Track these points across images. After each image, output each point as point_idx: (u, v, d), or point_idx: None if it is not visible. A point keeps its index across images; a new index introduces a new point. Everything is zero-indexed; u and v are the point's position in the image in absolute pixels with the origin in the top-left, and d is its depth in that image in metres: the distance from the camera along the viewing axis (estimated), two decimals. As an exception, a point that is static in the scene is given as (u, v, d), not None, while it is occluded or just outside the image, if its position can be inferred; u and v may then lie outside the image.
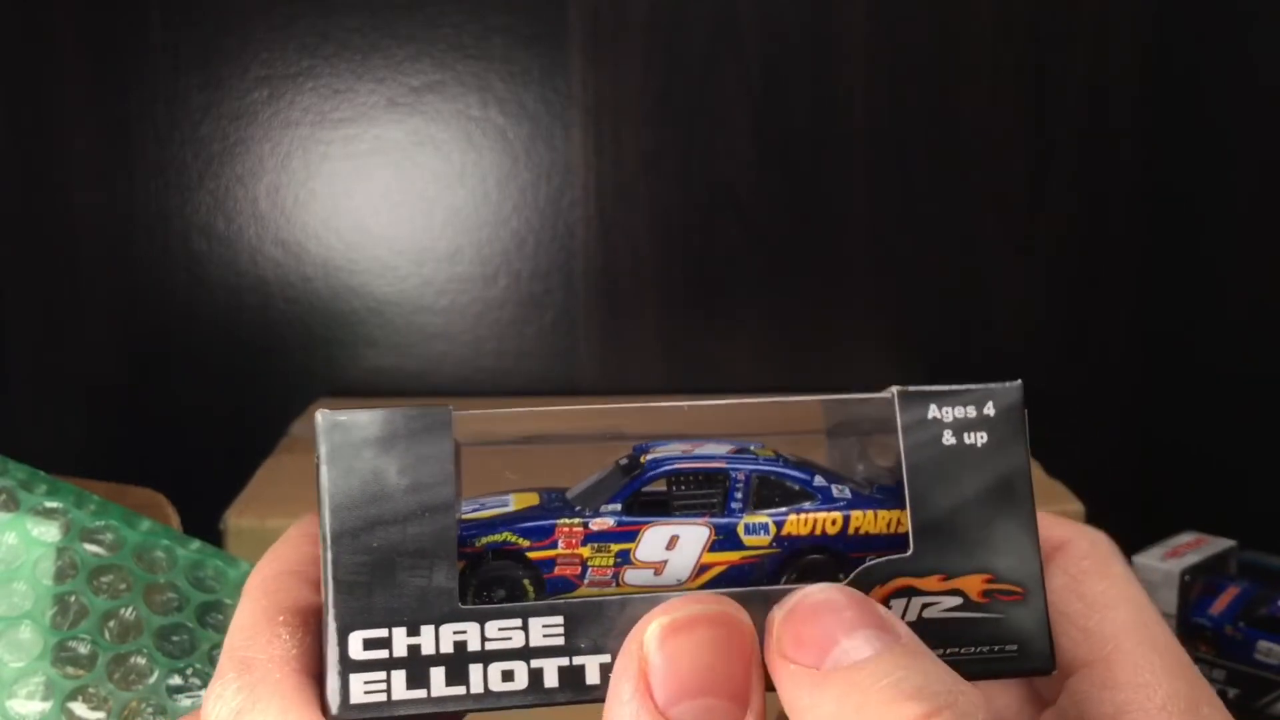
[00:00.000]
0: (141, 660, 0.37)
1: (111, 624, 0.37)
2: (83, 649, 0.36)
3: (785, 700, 0.22)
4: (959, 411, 0.25)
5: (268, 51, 0.81)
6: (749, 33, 0.84)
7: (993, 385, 0.25)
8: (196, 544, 0.40)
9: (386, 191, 0.83)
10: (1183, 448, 0.92)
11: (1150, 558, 0.75)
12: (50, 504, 0.38)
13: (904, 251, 0.88)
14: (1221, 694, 0.71)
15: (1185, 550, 0.76)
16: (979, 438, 0.25)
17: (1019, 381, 0.25)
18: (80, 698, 0.36)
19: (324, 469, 0.23)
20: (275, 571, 0.25)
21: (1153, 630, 0.25)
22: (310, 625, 0.24)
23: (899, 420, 0.25)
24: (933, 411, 0.25)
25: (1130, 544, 0.76)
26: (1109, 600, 0.26)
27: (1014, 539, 0.25)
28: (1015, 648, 0.24)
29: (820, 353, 0.89)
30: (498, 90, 0.83)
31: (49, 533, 0.37)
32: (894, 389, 0.25)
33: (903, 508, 0.25)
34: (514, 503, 0.26)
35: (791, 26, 0.85)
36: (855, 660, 0.21)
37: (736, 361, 0.88)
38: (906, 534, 0.25)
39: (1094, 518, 0.64)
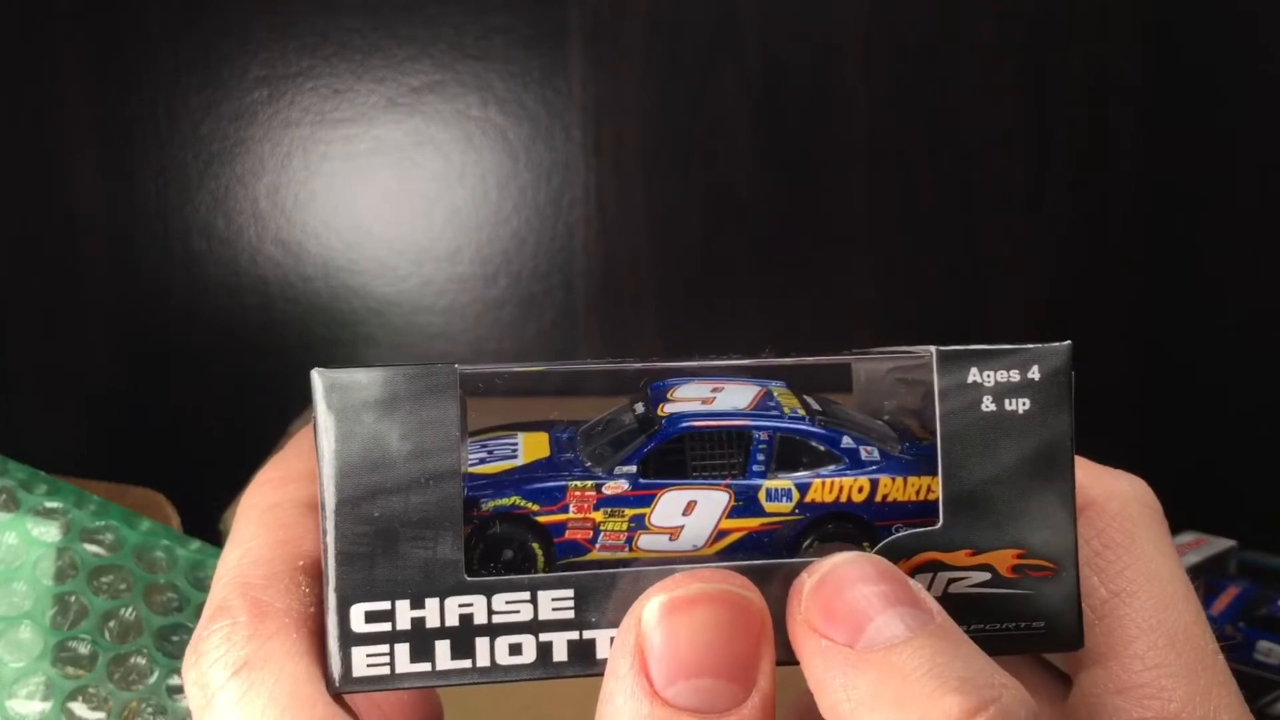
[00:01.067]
0: (142, 660, 0.37)
1: (111, 624, 0.37)
2: (83, 649, 0.36)
3: (811, 674, 0.21)
4: (1001, 376, 0.23)
5: (268, 51, 0.81)
6: (749, 33, 0.84)
7: (1039, 346, 0.23)
8: (196, 544, 0.40)
9: (386, 191, 0.83)
10: (1182, 448, 0.92)
11: (1150, 558, 0.75)
12: (50, 504, 0.38)
13: (904, 251, 0.88)
14: (1221, 694, 0.71)
15: (1185, 550, 0.76)
16: (1021, 404, 0.23)
17: (1068, 343, 0.23)
18: (80, 698, 0.36)
19: (323, 433, 0.22)
20: (290, 501, 0.24)
21: (1176, 619, 0.24)
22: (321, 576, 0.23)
23: (936, 384, 0.23)
24: (973, 375, 0.23)
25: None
26: (1130, 581, 0.24)
27: (1050, 512, 0.23)
28: (1042, 624, 0.23)
29: (820, 353, 0.88)
30: (498, 90, 0.83)
31: (49, 533, 0.37)
32: (933, 349, 0.23)
33: (934, 473, 0.23)
34: (523, 447, 0.25)
35: (791, 26, 0.85)
36: (891, 642, 0.20)
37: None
38: (936, 501, 0.23)
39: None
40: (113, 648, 0.37)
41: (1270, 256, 0.89)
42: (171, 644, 0.38)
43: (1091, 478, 0.25)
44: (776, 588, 0.22)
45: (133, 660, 0.37)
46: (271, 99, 0.81)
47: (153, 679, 0.37)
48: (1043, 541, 0.23)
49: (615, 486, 0.24)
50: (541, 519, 0.24)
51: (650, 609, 0.21)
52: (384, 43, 0.81)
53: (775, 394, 0.26)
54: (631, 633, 0.21)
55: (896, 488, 0.24)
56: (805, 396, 0.26)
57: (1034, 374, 0.23)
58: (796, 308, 0.88)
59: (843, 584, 0.21)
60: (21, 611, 0.36)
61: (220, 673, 0.21)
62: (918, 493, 0.24)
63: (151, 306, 0.83)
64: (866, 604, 0.21)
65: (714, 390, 0.25)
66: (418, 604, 0.22)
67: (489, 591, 0.22)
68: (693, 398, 0.25)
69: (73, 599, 0.37)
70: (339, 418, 0.22)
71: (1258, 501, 0.88)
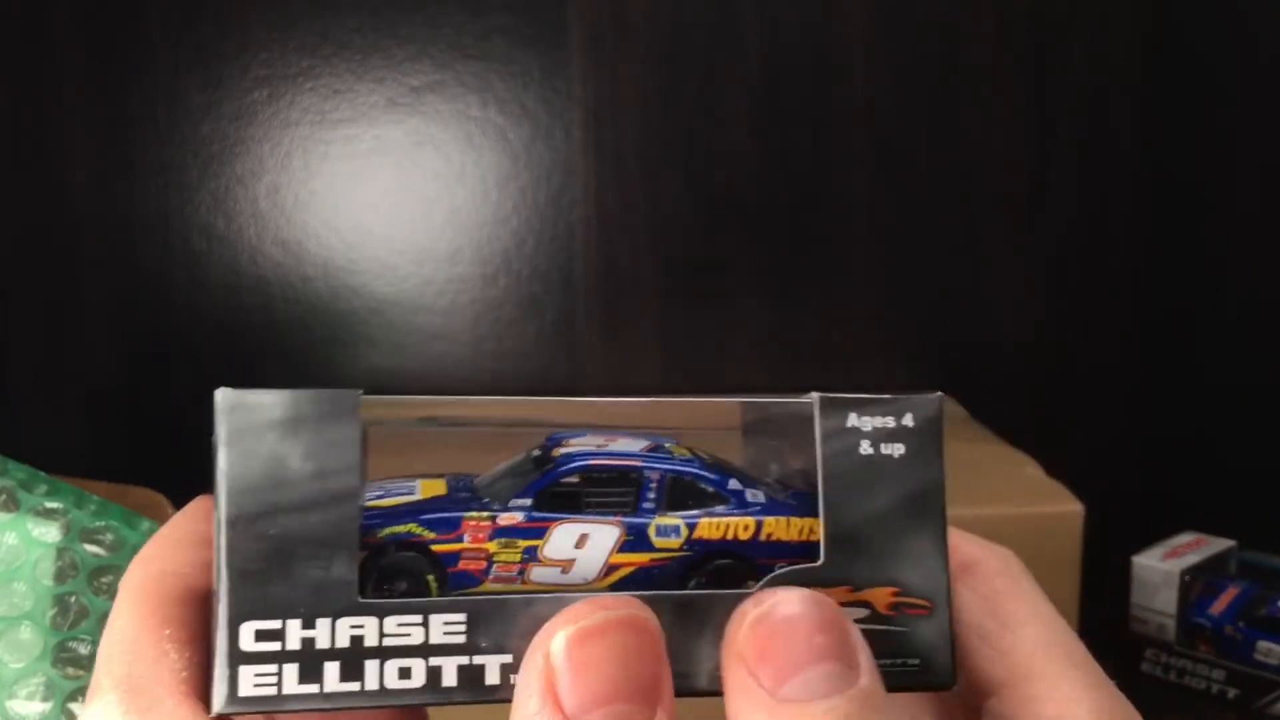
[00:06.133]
0: (141, 660, 0.37)
1: (111, 624, 0.37)
2: (83, 649, 0.36)
3: (732, 707, 0.22)
4: (878, 421, 0.24)
5: (268, 51, 0.81)
6: (749, 33, 0.84)
7: (913, 396, 0.25)
8: (196, 544, 0.40)
9: (386, 191, 0.83)
10: (1183, 448, 0.92)
11: (1150, 558, 0.75)
12: (50, 504, 0.38)
13: (904, 251, 0.88)
14: (1221, 694, 0.71)
15: (1185, 550, 0.76)
16: (896, 449, 0.24)
17: (939, 394, 0.25)
18: (81, 698, 0.36)
19: (222, 451, 0.22)
20: (158, 572, 0.24)
21: (1069, 647, 0.25)
22: (199, 638, 0.23)
23: (817, 427, 0.24)
24: (852, 420, 0.24)
25: (1130, 544, 0.76)
26: (1023, 618, 0.26)
27: (924, 553, 0.24)
28: (918, 662, 0.24)
29: (820, 352, 0.89)
30: (498, 90, 0.83)
31: (49, 533, 0.37)
32: (815, 394, 0.24)
33: (816, 515, 0.24)
34: (420, 490, 0.25)
35: (791, 26, 0.85)
36: (810, 698, 0.21)
37: (736, 361, 0.88)
38: (817, 542, 0.24)
39: (1094, 518, 0.64)
40: (113, 648, 0.37)
41: (1271, 256, 0.89)
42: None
43: (969, 544, 0.27)
44: (666, 619, 0.23)
45: (133, 660, 0.37)
46: (271, 99, 0.81)
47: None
48: (917, 581, 0.24)
49: (510, 518, 0.24)
50: (436, 548, 0.24)
51: (559, 640, 0.21)
52: (384, 43, 0.81)
53: (667, 445, 0.26)
54: (538, 668, 0.21)
55: (780, 527, 0.25)
56: (696, 452, 0.27)
57: (908, 421, 0.25)
58: (796, 307, 0.88)
59: (784, 625, 0.22)
60: (21, 611, 0.36)
61: None
62: (800, 533, 0.25)
63: (151, 306, 0.83)
64: (799, 652, 0.22)
65: (607, 439, 0.26)
66: (309, 624, 0.22)
67: (381, 613, 0.22)
68: (588, 443, 0.26)
69: (73, 599, 0.37)
70: (240, 435, 0.22)
71: (1258, 501, 0.88)
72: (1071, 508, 0.64)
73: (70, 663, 0.36)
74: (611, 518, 0.24)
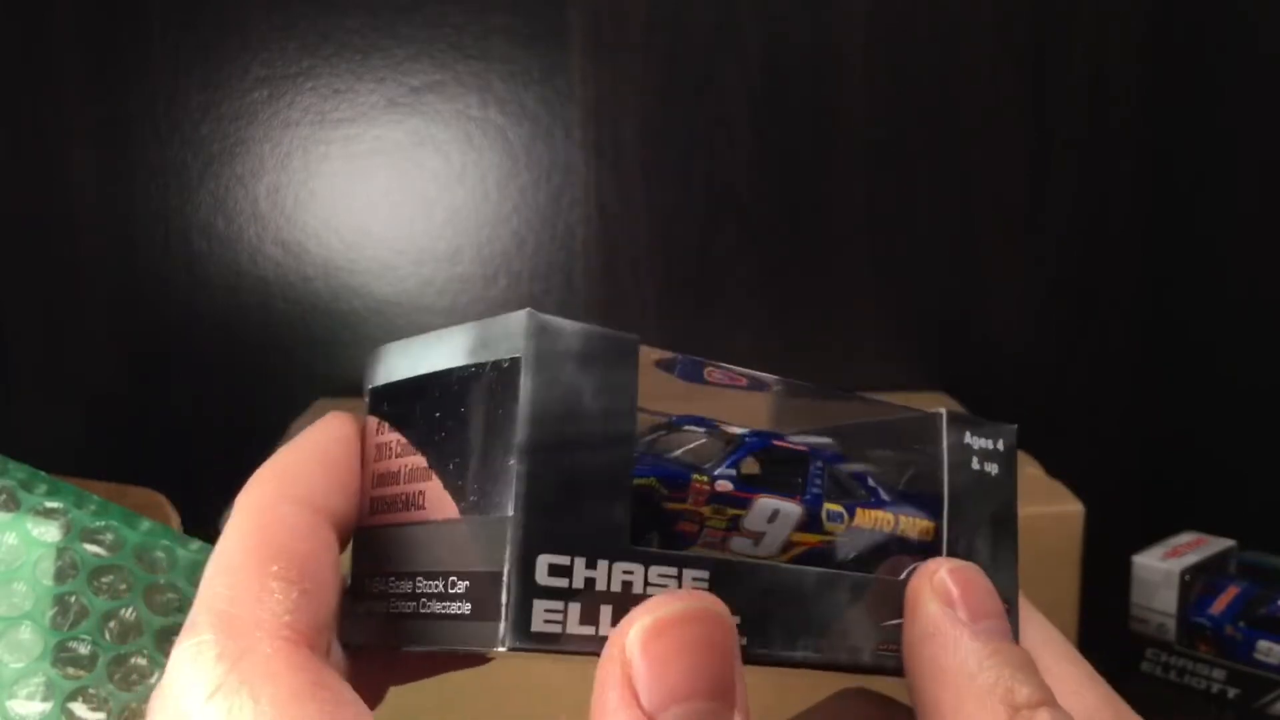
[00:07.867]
0: (142, 661, 0.37)
1: (112, 624, 0.37)
2: (83, 649, 0.36)
3: (931, 622, 0.25)
4: (983, 443, 0.28)
5: (268, 51, 0.81)
6: (749, 33, 0.84)
7: (1001, 424, 0.28)
8: (196, 544, 0.40)
9: (386, 191, 0.83)
10: (1183, 447, 0.92)
11: (1150, 558, 0.75)
12: (50, 504, 0.38)
13: (904, 251, 0.88)
14: (1221, 694, 0.71)
15: (1185, 550, 0.76)
16: (992, 468, 0.28)
17: (1015, 425, 0.29)
18: (80, 698, 0.36)
19: (526, 374, 0.21)
20: (276, 496, 0.23)
21: (1064, 648, 0.27)
22: (310, 577, 0.22)
23: (945, 440, 0.27)
24: (967, 438, 0.27)
25: (1130, 544, 0.76)
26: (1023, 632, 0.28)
27: (1007, 560, 0.28)
28: None
29: (821, 352, 0.89)
30: (498, 90, 0.83)
31: (49, 533, 0.37)
32: (943, 410, 0.27)
33: (931, 516, 0.27)
34: None
35: (791, 26, 0.85)
36: (1003, 634, 0.25)
37: (738, 362, 0.87)
38: (932, 541, 0.27)
39: (1094, 518, 0.64)
40: (113, 648, 0.37)
41: (1271, 256, 0.89)
42: (172, 644, 0.38)
43: None
44: (844, 596, 0.25)
45: (133, 661, 0.37)
46: (271, 99, 0.81)
47: (153, 679, 0.37)
48: (1003, 583, 0.27)
49: (723, 485, 0.25)
50: (668, 505, 0.24)
51: (634, 635, 0.20)
52: (384, 43, 0.81)
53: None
54: (616, 661, 0.20)
55: (909, 525, 0.28)
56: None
57: (1000, 445, 0.28)
58: (796, 307, 0.88)
59: (974, 580, 0.26)
60: (21, 611, 0.36)
61: (193, 699, 0.20)
62: (920, 532, 0.28)
63: (151, 307, 0.83)
64: (988, 603, 0.25)
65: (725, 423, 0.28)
66: (591, 564, 0.21)
67: (647, 562, 0.22)
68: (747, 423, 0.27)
69: (73, 599, 0.37)
70: (544, 361, 0.21)
71: (1258, 501, 0.88)
72: (1071, 508, 0.64)
73: (70, 663, 0.36)
74: (793, 497, 0.26)
